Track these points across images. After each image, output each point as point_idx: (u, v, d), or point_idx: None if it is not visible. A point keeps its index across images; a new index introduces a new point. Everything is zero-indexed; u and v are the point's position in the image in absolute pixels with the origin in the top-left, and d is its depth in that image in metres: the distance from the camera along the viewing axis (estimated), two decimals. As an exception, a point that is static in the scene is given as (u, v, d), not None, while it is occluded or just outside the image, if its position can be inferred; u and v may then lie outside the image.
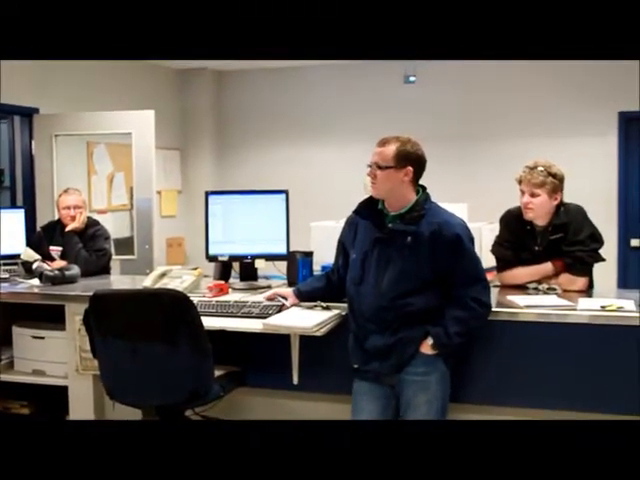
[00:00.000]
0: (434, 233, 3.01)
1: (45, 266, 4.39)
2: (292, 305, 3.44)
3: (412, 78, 8.07)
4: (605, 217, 6.34)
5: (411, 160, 3.06)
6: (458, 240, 3.02)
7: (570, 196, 3.74)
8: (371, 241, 3.11)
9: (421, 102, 8.02)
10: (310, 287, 3.50)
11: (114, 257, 5.17)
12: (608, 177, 7.43)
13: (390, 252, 3.06)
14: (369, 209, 3.20)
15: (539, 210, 3.61)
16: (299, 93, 8.54)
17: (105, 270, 4.85)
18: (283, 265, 4.04)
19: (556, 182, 3.60)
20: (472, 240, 3.10)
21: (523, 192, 3.64)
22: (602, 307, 3.18)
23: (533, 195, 3.59)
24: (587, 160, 7.33)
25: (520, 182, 3.65)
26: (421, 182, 3.15)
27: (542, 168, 3.60)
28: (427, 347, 3.04)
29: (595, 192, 6.88)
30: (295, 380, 3.33)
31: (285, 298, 3.49)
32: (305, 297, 3.45)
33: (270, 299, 3.53)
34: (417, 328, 3.04)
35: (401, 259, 3.03)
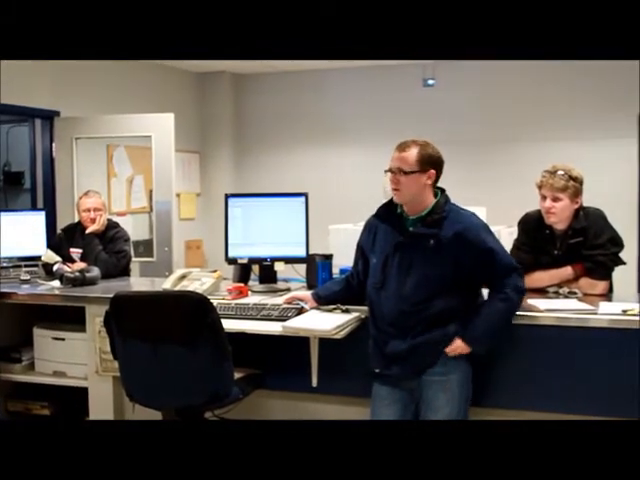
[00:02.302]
0: (458, 235, 3.00)
1: (65, 268, 4.42)
2: (311, 308, 3.44)
3: (431, 81, 8.06)
4: (626, 220, 6.28)
5: (433, 163, 3.07)
6: (483, 239, 3.04)
7: (590, 200, 3.71)
8: (392, 245, 3.11)
9: (440, 105, 8.01)
10: (329, 291, 3.50)
11: (133, 259, 5.19)
12: (629, 180, 7.38)
13: (412, 256, 3.05)
14: (389, 213, 3.20)
15: (561, 214, 3.58)
16: (318, 96, 8.55)
17: (125, 272, 4.86)
18: (302, 268, 4.05)
19: (577, 185, 3.57)
20: (493, 235, 3.13)
21: (544, 197, 3.60)
22: (623, 311, 3.15)
23: (555, 200, 3.56)
24: (607, 163, 7.29)
25: (540, 187, 3.62)
26: (440, 185, 3.16)
27: (563, 172, 3.56)
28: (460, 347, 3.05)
29: (616, 195, 6.82)
30: (314, 383, 3.34)
31: (304, 302, 3.48)
32: (324, 302, 3.45)
33: (289, 303, 3.52)
34: (437, 331, 3.03)
35: (423, 263, 3.03)
